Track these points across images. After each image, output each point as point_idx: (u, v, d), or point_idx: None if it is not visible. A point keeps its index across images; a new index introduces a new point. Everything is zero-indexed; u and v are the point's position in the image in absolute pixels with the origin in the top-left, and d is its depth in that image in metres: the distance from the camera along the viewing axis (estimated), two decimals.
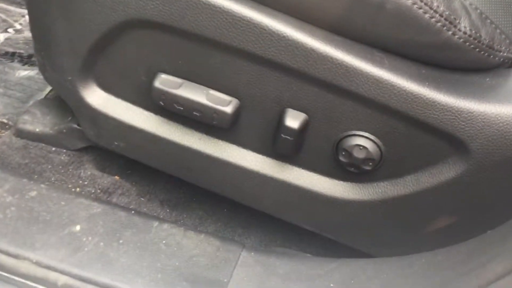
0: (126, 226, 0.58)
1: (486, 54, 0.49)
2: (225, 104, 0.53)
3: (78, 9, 0.54)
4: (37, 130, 0.68)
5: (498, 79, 0.49)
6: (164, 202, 0.69)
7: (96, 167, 0.68)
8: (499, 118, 0.47)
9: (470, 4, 0.49)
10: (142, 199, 0.68)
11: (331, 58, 0.48)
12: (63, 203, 0.61)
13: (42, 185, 0.62)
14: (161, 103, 0.55)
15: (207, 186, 0.62)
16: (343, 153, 0.53)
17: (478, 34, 0.47)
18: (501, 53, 0.49)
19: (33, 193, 0.61)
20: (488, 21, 0.49)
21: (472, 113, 0.47)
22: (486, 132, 0.47)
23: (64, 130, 0.67)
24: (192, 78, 0.54)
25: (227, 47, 0.50)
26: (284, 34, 0.48)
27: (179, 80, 0.54)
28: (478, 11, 0.49)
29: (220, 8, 0.48)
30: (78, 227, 0.58)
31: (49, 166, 0.67)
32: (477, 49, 0.48)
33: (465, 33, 0.47)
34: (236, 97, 0.54)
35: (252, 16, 0.48)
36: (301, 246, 0.65)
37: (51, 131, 0.67)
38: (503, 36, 0.50)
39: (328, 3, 0.46)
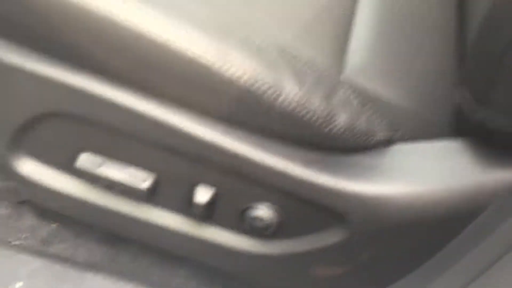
0: (63, 281, 0.66)
1: (364, 139, 0.56)
2: (142, 180, 0.60)
3: None
4: None
5: (374, 159, 0.57)
6: (101, 241, 0.76)
7: (36, 216, 0.75)
8: (371, 197, 0.55)
9: (353, 92, 0.56)
10: (79, 240, 0.75)
11: (227, 149, 0.54)
12: (4, 259, 0.68)
13: None
14: (84, 179, 0.62)
15: (136, 240, 0.69)
16: (246, 221, 0.60)
17: (355, 125, 0.55)
18: (378, 135, 0.57)
19: None
20: (368, 105, 0.56)
21: (348, 192, 0.55)
22: (360, 208, 0.55)
23: (2, 186, 0.72)
24: (111, 156, 0.60)
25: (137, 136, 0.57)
26: (184, 130, 0.54)
27: (99, 160, 0.60)
28: (360, 98, 0.56)
29: (125, 107, 0.54)
30: (19, 285, 0.65)
31: None
32: (355, 137, 0.55)
33: (342, 126, 0.54)
34: (152, 173, 0.60)
35: (155, 114, 0.54)
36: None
37: None
38: (381, 118, 0.57)
39: (216, 107, 0.53)
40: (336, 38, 0.64)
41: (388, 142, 0.58)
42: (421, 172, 0.55)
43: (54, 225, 0.75)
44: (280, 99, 0.51)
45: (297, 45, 0.60)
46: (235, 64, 0.50)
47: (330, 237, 0.60)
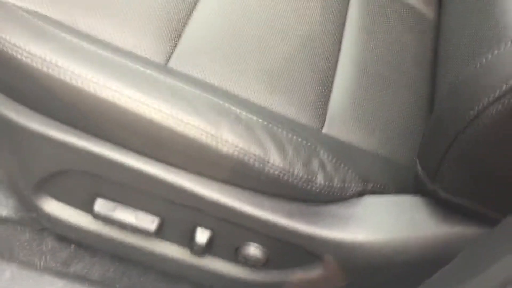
0: None
1: (339, 193, 0.65)
2: (150, 222, 0.70)
3: (22, 154, 0.68)
4: (3, 214, 0.83)
5: (348, 209, 0.66)
6: (113, 258, 0.87)
7: (55, 239, 0.85)
8: (345, 243, 0.65)
9: (328, 157, 0.65)
10: (94, 259, 0.86)
11: (222, 204, 0.64)
12: (31, 281, 0.78)
13: (13, 265, 0.79)
14: (100, 221, 0.72)
15: (145, 265, 0.80)
16: (240, 255, 0.71)
17: (331, 183, 0.64)
18: (351, 189, 0.66)
19: (8, 274, 0.78)
20: (342, 165, 0.66)
21: (325, 239, 0.65)
22: (336, 252, 0.65)
23: (26, 215, 0.82)
24: (123, 202, 0.70)
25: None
26: (188, 189, 0.64)
27: (113, 204, 0.70)
28: (334, 160, 0.65)
29: (135, 169, 0.63)
30: None
31: (17, 244, 0.83)
32: (331, 192, 0.65)
33: (320, 185, 0.63)
34: (158, 216, 0.70)
35: (160, 175, 0.63)
36: None
37: (14, 216, 0.83)
38: (355, 173, 0.66)
39: (213, 173, 0.62)
40: (319, 92, 0.73)
41: (360, 193, 0.67)
42: (387, 223, 0.65)
43: (72, 247, 0.85)
44: (266, 168, 0.60)
45: (282, 106, 0.69)
46: (228, 142, 0.59)
47: (311, 271, 0.70)
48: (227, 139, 0.59)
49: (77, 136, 0.62)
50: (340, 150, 0.68)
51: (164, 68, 0.65)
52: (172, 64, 0.67)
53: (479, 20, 0.58)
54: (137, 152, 0.62)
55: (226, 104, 0.61)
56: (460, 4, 0.75)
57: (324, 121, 0.71)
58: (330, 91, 0.74)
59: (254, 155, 0.60)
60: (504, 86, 0.44)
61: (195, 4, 0.72)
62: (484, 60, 0.46)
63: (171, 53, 0.68)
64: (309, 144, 0.64)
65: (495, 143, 0.47)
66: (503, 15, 0.49)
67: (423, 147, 0.59)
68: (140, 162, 0.63)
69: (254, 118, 0.62)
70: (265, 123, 0.63)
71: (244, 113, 0.62)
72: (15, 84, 0.61)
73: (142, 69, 0.60)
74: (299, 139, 0.64)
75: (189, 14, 0.71)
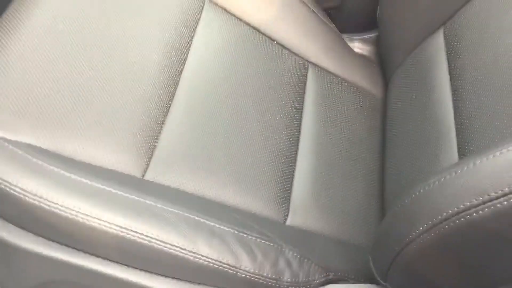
0: None
1: (305, 285, 0.73)
2: None
3: (13, 266, 0.73)
4: None
5: None
6: None
7: None
8: None
9: (293, 254, 0.73)
10: None
11: None
12: None
13: None
14: None
15: None
16: None
17: (297, 279, 0.72)
18: (315, 281, 0.74)
19: None
20: (306, 260, 0.74)
21: None
22: None
23: None
24: None
25: None
26: None
27: None
28: (298, 256, 0.73)
29: (121, 279, 0.69)
30: None
31: None
32: (298, 286, 0.72)
33: (287, 282, 0.71)
34: None
35: (147, 284, 0.69)
36: None
37: None
38: (317, 267, 0.74)
39: (190, 278, 0.69)
40: (282, 187, 0.81)
41: (323, 283, 0.75)
42: None
43: None
44: (239, 274, 0.68)
45: (250, 204, 0.77)
46: (204, 256, 0.66)
47: None
48: (203, 253, 0.66)
49: (66, 252, 0.69)
50: (304, 242, 0.77)
51: (142, 183, 0.72)
52: (149, 175, 0.74)
53: (418, 143, 0.68)
54: (121, 264, 0.69)
55: (202, 219, 0.69)
56: (401, 107, 0.85)
57: (288, 212, 0.80)
58: (291, 184, 0.82)
59: (228, 264, 0.67)
60: (436, 218, 0.52)
61: (165, 118, 0.79)
62: (420, 190, 0.55)
63: (147, 166, 0.75)
64: (275, 245, 0.72)
65: (429, 263, 0.55)
66: (438, 145, 0.58)
67: (374, 251, 0.68)
68: (125, 273, 0.69)
69: (226, 228, 0.70)
70: (236, 232, 0.70)
71: (217, 225, 0.69)
72: (6, 212, 0.67)
73: (123, 192, 0.67)
74: (267, 242, 0.72)
75: (160, 129, 0.78)
